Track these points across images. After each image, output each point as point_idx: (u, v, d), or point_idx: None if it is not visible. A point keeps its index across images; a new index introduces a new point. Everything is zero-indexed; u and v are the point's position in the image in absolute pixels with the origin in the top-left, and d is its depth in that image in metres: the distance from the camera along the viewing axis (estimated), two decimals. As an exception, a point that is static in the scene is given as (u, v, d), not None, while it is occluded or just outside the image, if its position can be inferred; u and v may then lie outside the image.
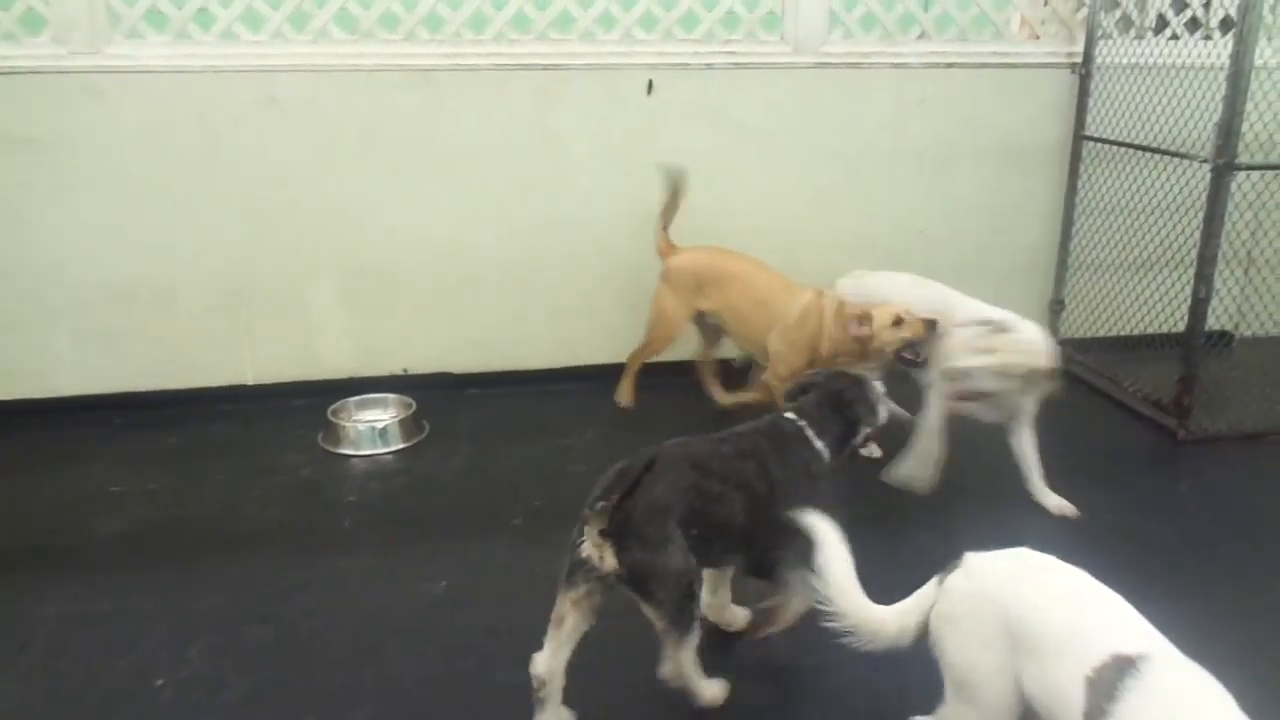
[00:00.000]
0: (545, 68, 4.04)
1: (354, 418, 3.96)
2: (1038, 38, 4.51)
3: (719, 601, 2.67)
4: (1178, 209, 4.12)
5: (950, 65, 4.36)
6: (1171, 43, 4.48)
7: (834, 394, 2.54)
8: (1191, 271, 3.84)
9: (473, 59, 3.99)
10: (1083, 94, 4.44)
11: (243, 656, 2.60)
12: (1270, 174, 4.29)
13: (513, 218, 4.21)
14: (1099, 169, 4.50)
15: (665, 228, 3.98)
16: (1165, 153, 4.02)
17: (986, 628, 1.83)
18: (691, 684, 2.36)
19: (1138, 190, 4.33)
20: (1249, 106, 3.58)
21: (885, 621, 2.00)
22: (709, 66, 4.16)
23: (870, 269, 3.90)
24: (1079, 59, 4.43)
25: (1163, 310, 4.18)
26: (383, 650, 2.62)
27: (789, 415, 2.54)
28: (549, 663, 2.26)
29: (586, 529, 2.18)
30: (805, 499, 2.31)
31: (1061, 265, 4.69)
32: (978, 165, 4.49)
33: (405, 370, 4.33)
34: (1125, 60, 4.24)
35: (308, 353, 4.22)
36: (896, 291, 3.66)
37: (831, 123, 4.33)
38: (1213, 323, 3.96)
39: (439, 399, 4.19)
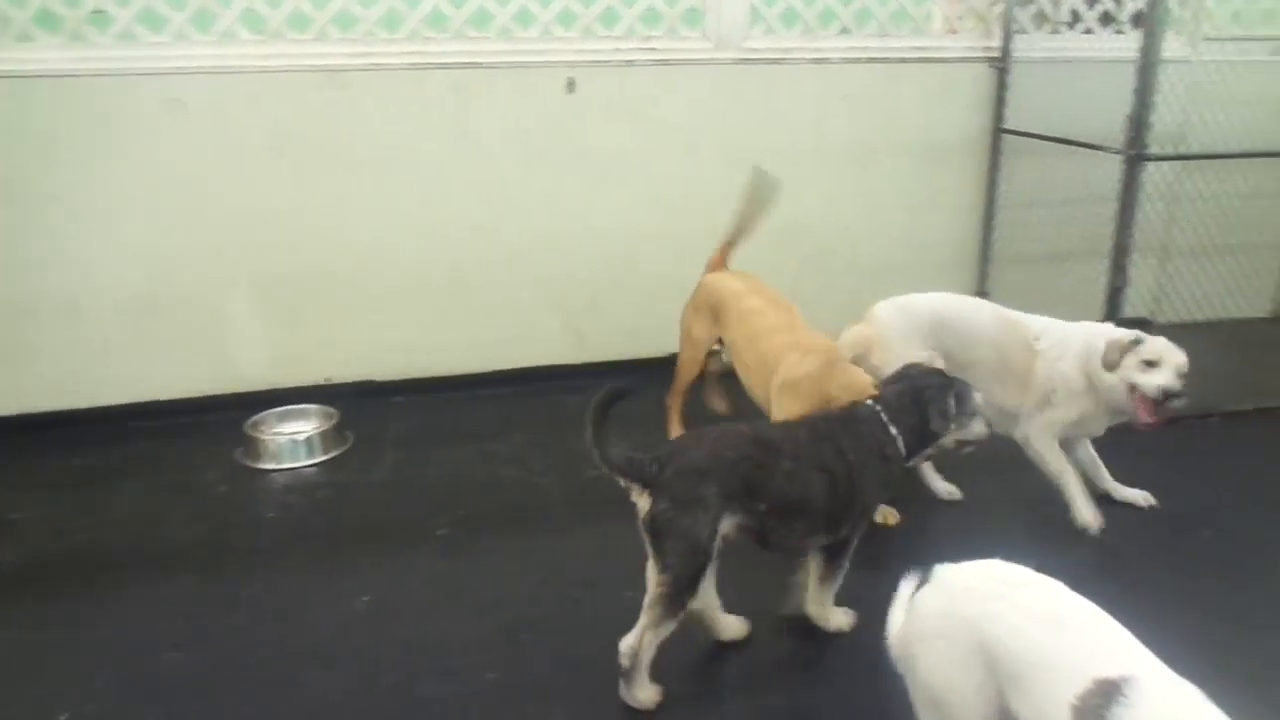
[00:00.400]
0: (463, 66, 3.96)
1: (274, 431, 3.83)
2: (956, 32, 4.56)
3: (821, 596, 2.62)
4: (1095, 200, 4.18)
5: (871, 60, 4.38)
6: (1085, 37, 4.59)
7: (916, 389, 2.52)
8: (1109, 261, 3.90)
9: (387, 58, 3.89)
10: (1001, 88, 4.50)
11: (154, 685, 2.48)
12: (1181, 165, 4.39)
13: (434, 220, 4.12)
14: (1018, 162, 4.56)
15: (730, 244, 3.61)
16: (1081, 145, 4.08)
17: (961, 647, 1.75)
18: (636, 673, 2.32)
19: (1057, 182, 4.40)
20: (1159, 99, 3.65)
21: None
22: (630, 63, 4.12)
23: (903, 290, 3.52)
24: (996, 54, 4.49)
25: (1083, 299, 4.24)
26: (302, 672, 2.53)
27: (868, 401, 2.53)
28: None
29: (623, 479, 2.30)
30: (878, 481, 2.44)
31: (984, 258, 4.75)
32: (900, 160, 4.52)
33: (328, 379, 4.21)
34: (1041, 55, 4.31)
35: (224, 365, 4.08)
36: (960, 320, 3.30)
37: (755, 119, 4.32)
38: (1131, 311, 4.03)
39: (363, 408, 4.09)
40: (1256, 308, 5.06)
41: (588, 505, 3.38)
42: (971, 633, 1.73)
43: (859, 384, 2.78)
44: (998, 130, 4.55)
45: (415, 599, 2.85)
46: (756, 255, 4.07)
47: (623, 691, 2.35)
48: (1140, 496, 3.33)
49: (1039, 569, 1.81)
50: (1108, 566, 3.02)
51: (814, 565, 2.57)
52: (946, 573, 1.85)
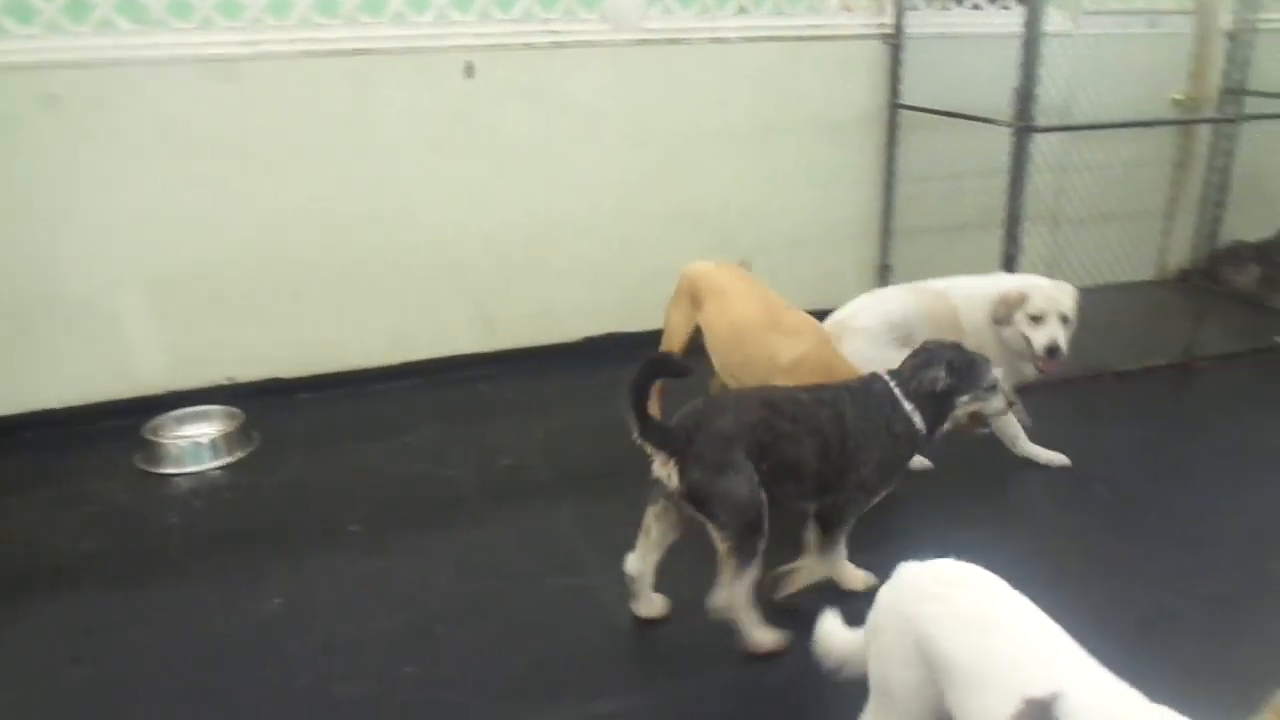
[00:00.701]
0: (356, 53, 3.87)
1: (175, 434, 3.71)
2: (851, 10, 4.63)
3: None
4: (988, 172, 4.31)
5: (769, 39, 4.42)
6: (973, 12, 4.71)
7: (932, 363, 2.53)
8: (1003, 230, 4.02)
9: (277, 46, 3.78)
10: (895, 64, 4.59)
11: (55, 704, 2.40)
12: (1068, 136, 4.54)
13: (334, 213, 4.03)
14: (915, 136, 4.66)
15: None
16: (972, 118, 4.19)
17: (903, 644, 1.76)
18: (741, 619, 2.41)
19: (951, 156, 4.52)
20: (1044, 72, 3.77)
21: (849, 644, 1.97)
22: (529, 46, 4.08)
23: (858, 293, 3.48)
24: (890, 30, 4.57)
25: (980, 269, 4.36)
26: (213, 680, 2.47)
27: (884, 375, 2.55)
28: (638, 565, 2.55)
29: (654, 450, 2.37)
30: (879, 454, 2.47)
31: (885, 231, 4.85)
32: (802, 137, 4.58)
33: (230, 379, 4.09)
34: (933, 30, 4.41)
35: (119, 368, 3.93)
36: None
37: (655, 100, 4.32)
38: (1025, 278, 4.16)
39: (269, 407, 3.98)
40: (1142, 271, 5.28)
41: (503, 496, 3.36)
42: (911, 631, 1.74)
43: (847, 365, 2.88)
44: (894, 105, 4.64)
45: (329, 598, 2.80)
46: (666, 241, 4.10)
47: (746, 640, 2.44)
48: (1057, 458, 3.45)
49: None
50: (1010, 528, 3.14)
51: (811, 533, 2.61)
52: (903, 570, 1.85)
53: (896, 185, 4.76)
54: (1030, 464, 3.45)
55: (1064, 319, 3.17)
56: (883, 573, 1.93)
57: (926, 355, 2.57)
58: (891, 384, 2.53)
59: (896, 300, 3.34)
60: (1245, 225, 5.22)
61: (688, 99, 4.37)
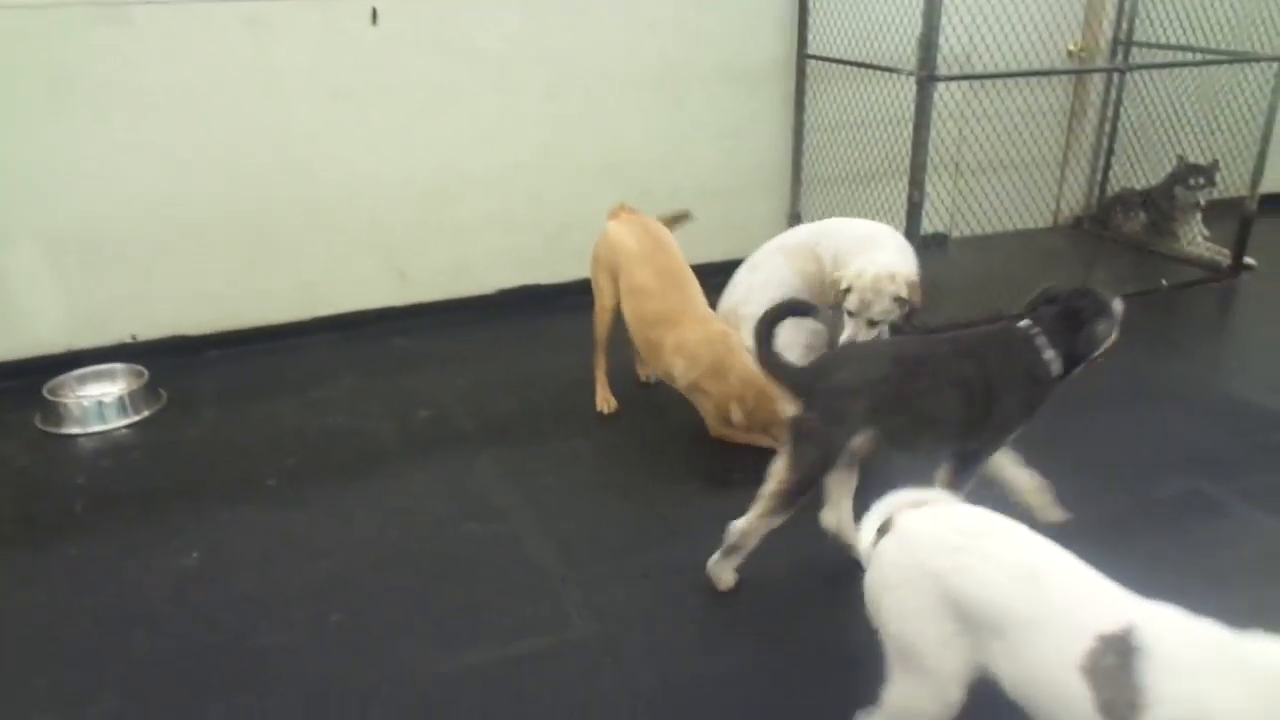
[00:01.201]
0: (254, -2, 3.75)
1: (77, 394, 3.60)
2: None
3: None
4: (894, 122, 4.42)
5: (677, -13, 4.42)
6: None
7: (1074, 309, 2.53)
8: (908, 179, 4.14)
9: (170, -11, 3.64)
10: (803, 13, 4.64)
11: (-40, 666, 2.34)
12: (969, 85, 4.67)
13: (237, 164, 3.91)
14: (823, 86, 4.74)
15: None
16: (877, 68, 4.29)
17: (927, 599, 1.69)
18: (736, 552, 2.52)
19: (859, 105, 4.61)
20: (945, 21, 3.86)
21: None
22: (435, -7, 4.01)
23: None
24: (796, -21, 4.61)
25: (887, 217, 4.48)
26: (127, 636, 2.44)
27: (1023, 323, 2.55)
28: (825, 517, 2.65)
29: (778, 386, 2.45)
30: (1021, 400, 2.50)
31: (796, 180, 4.93)
32: (710, 86, 4.61)
33: (134, 337, 3.97)
34: (838, -20, 4.47)
35: (11, 328, 3.78)
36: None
37: (565, 49, 4.29)
38: (929, 225, 4.31)
39: (176, 365, 3.89)
40: (1039, 219, 5.48)
41: (422, 447, 3.36)
42: (937, 585, 1.68)
43: (749, 376, 3.04)
44: (802, 55, 4.70)
45: (249, 552, 2.78)
46: (580, 192, 4.10)
47: (711, 563, 2.55)
48: None
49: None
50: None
51: (942, 471, 2.63)
52: (906, 523, 1.79)
53: (806, 134, 4.84)
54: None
55: (898, 301, 3.21)
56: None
57: (1067, 302, 2.53)
58: (1032, 330, 2.54)
59: (774, 275, 3.50)
60: (1134, 174, 5.46)
61: (597, 48, 4.35)
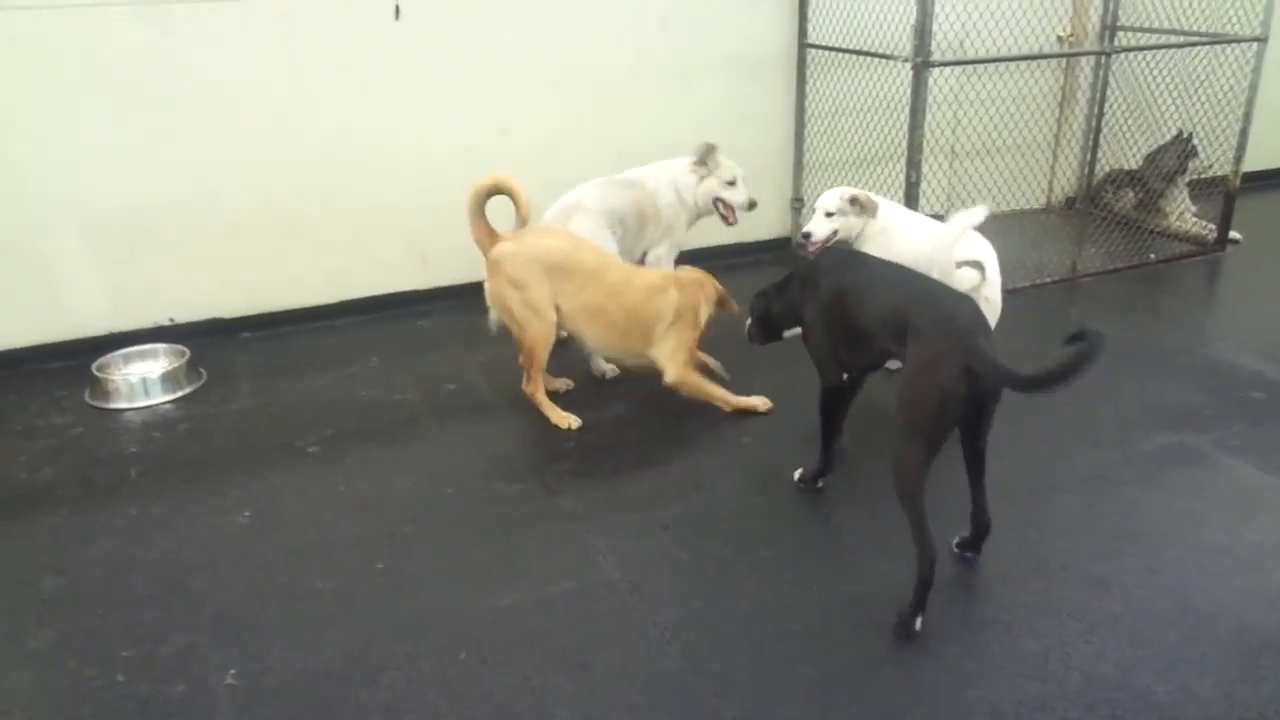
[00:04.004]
0: (285, -4, 3.96)
1: (123, 371, 3.81)
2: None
3: None
4: (891, 107, 4.61)
5: (682, -20, 4.62)
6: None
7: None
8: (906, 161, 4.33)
9: (206, -11, 3.84)
10: (803, 3, 4.84)
11: (39, 608, 2.55)
12: (963, 70, 4.87)
13: (268, 154, 4.12)
14: (823, 74, 4.94)
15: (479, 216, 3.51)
16: (875, 55, 4.48)
17: None
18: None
19: (858, 92, 4.81)
20: (939, 9, 4.05)
21: None
22: (454, -12, 4.21)
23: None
24: (796, -30, 4.81)
25: (888, 199, 4.68)
26: (191, 583, 2.65)
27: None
28: None
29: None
30: None
31: (798, 166, 5.14)
32: (716, 75, 4.81)
33: (172, 320, 4.18)
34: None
35: (58, 311, 3.99)
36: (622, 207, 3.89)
37: (576, 42, 4.50)
38: (927, 207, 4.49)
39: (213, 345, 4.11)
40: (1033, 200, 5.67)
41: (450, 414, 3.58)
42: None
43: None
44: (802, 44, 4.90)
45: (295, 510, 2.99)
46: (589, 176, 4.26)
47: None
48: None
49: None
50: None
51: None
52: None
53: (807, 121, 5.04)
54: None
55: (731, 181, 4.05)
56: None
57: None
58: None
59: (613, 193, 3.90)
60: (1122, 154, 5.65)
61: (608, 40, 4.56)
